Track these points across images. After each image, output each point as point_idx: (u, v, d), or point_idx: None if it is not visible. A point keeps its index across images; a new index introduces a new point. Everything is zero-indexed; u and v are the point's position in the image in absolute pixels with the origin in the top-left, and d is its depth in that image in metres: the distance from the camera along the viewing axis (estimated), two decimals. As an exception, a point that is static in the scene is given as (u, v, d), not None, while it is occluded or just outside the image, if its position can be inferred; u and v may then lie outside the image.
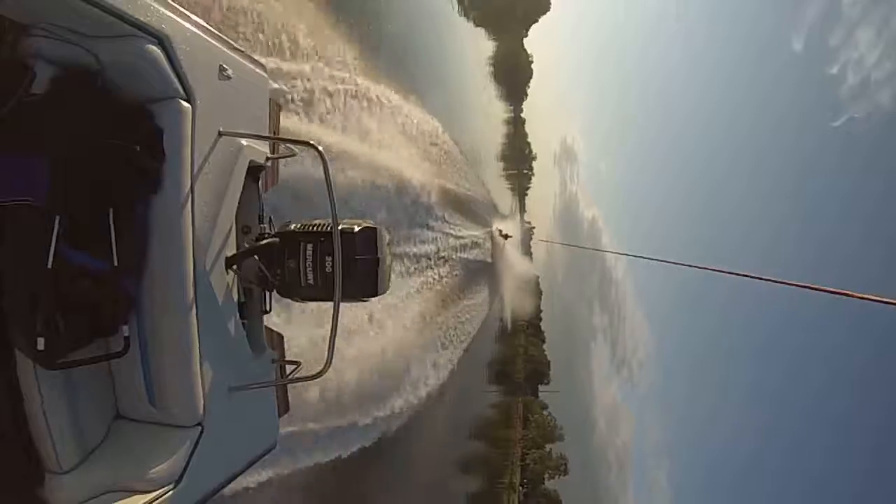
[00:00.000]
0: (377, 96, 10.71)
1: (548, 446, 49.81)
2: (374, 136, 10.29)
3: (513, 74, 49.31)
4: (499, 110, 44.62)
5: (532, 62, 58.89)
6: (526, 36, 57.49)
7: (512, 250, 35.60)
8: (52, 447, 1.90)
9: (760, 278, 4.33)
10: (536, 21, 58.11)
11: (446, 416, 17.68)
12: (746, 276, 4.58)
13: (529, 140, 65.02)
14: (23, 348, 1.82)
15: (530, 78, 59.67)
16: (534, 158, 69.77)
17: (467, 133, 22.23)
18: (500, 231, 32.70)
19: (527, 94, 60.59)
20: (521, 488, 37.85)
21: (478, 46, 32.25)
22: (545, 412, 54.55)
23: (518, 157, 58.03)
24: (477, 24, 31.60)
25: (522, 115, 61.86)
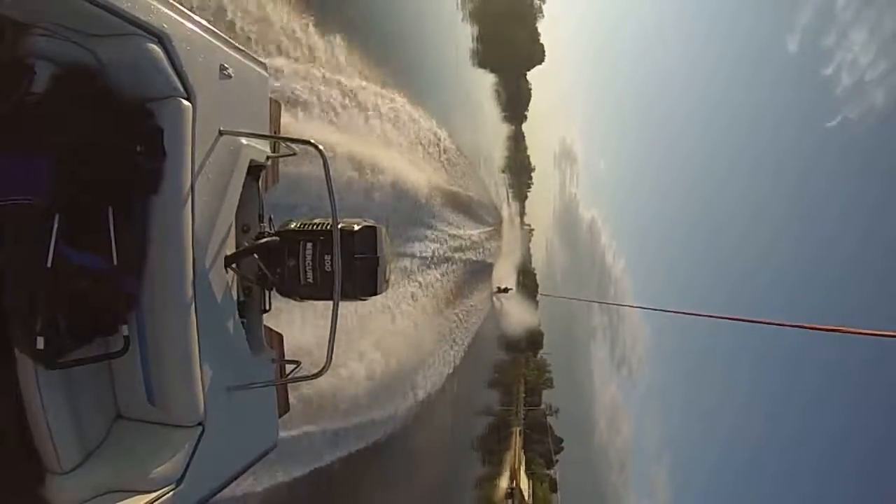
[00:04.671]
0: (402, 109, 12.56)
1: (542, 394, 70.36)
2: (392, 140, 11.61)
3: (514, 100, 58.38)
4: (502, 129, 53.76)
5: (531, 88, 67.92)
6: (525, 77, 64.84)
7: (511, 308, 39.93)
8: (52, 447, 1.89)
9: (754, 321, 4.40)
10: (532, 68, 65.90)
11: (473, 364, 25.76)
12: (743, 320, 4.63)
13: (529, 153, 74.40)
14: (23, 347, 1.82)
15: (529, 101, 68.70)
16: (533, 170, 77.65)
17: (473, 146, 26.64)
18: (499, 287, 33.01)
19: (526, 117, 69.28)
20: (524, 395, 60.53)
21: (485, 80, 40.58)
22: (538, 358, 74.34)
23: (519, 169, 64.95)
24: (485, 69, 40.40)
25: (523, 130, 69.96)
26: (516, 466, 41.14)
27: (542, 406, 65.76)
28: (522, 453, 46.57)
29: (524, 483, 42.33)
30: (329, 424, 8.25)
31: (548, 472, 56.92)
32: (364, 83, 10.23)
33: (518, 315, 42.95)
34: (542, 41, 64.40)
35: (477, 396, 33.28)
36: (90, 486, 1.94)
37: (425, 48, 19.29)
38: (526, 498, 41.03)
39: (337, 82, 8.87)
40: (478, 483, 31.02)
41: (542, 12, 62.29)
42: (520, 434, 47.79)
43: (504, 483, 37.68)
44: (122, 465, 2.02)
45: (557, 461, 60.01)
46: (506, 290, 34.76)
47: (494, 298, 32.39)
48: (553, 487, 52.70)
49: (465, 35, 32.29)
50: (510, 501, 37.25)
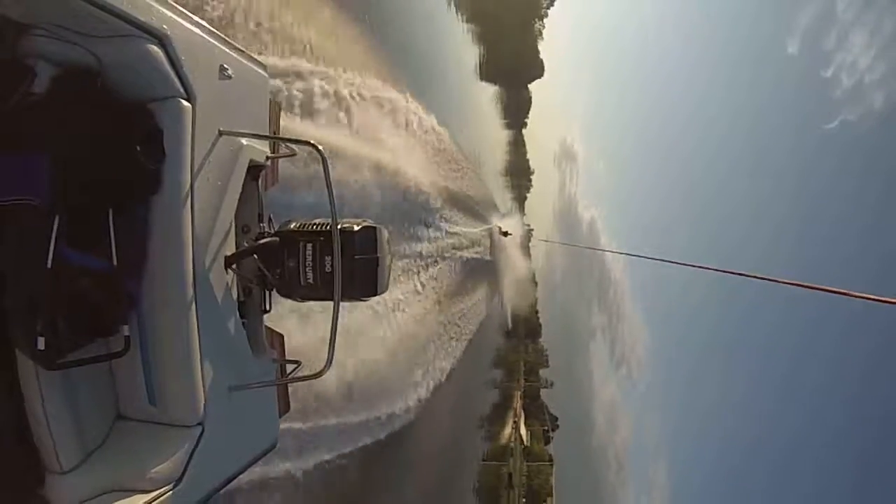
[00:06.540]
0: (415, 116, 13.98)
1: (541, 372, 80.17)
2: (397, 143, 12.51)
3: (515, 108, 65.03)
4: (503, 135, 59.45)
5: (531, 97, 74.44)
6: (526, 87, 70.80)
7: (512, 249, 41.26)
8: (53, 447, 1.90)
9: (754, 276, 4.29)
10: (532, 82, 72.26)
11: (478, 350, 29.92)
12: (741, 274, 4.54)
13: (529, 157, 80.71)
14: (23, 348, 1.82)
15: (529, 109, 75.31)
16: (532, 172, 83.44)
17: (476, 150, 29.37)
18: (501, 228, 33.23)
19: (526, 124, 75.47)
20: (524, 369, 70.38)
21: (488, 91, 45.94)
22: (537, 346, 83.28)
23: (518, 172, 70.05)
24: (491, 83, 46.58)
25: (524, 135, 75.99)
26: (518, 414, 50.68)
27: (540, 381, 75.79)
28: (522, 412, 55.95)
29: (523, 430, 51.62)
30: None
31: (546, 440, 65.22)
32: (393, 93, 11.46)
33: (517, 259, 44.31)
34: (541, 57, 70.48)
35: (482, 374, 39.04)
36: (90, 485, 1.95)
37: (435, 63, 21.16)
38: (525, 441, 51.28)
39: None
40: (485, 434, 38.84)
41: (542, 36, 68.46)
42: (520, 397, 58.25)
43: (507, 431, 46.39)
44: (122, 465, 2.03)
45: (552, 437, 67.80)
46: (507, 234, 35.20)
47: (496, 238, 32.58)
48: (550, 460, 59.43)
49: (472, 54, 36.76)
50: (513, 434, 46.45)
